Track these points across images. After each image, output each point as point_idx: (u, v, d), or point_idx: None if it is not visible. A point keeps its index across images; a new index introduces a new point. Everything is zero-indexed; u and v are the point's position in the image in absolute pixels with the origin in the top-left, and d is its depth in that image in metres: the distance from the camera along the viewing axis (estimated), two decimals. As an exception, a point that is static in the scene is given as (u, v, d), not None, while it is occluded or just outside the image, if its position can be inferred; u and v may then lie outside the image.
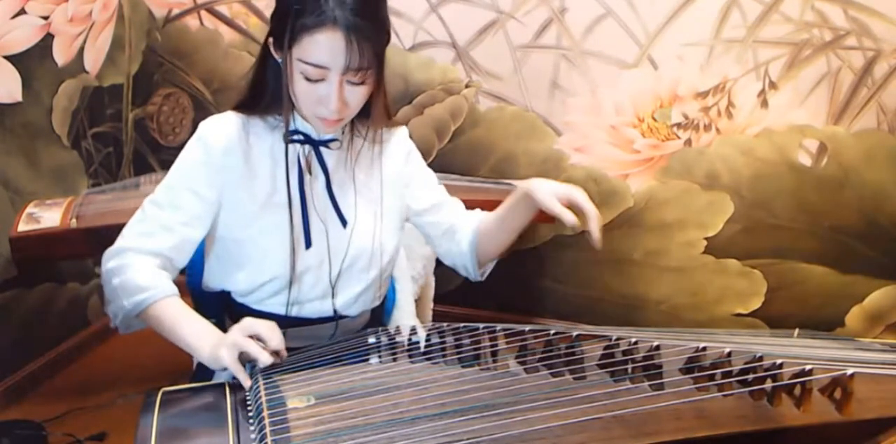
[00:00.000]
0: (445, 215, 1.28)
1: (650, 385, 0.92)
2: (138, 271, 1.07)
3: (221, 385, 0.99)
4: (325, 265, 1.15)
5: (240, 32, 2.36)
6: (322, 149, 1.14)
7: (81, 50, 2.13)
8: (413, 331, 1.10)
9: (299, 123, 1.12)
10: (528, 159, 2.23)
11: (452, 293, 2.24)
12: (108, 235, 1.67)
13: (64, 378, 2.13)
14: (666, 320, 2.28)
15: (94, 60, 2.19)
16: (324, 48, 0.98)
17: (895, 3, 1.85)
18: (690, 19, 1.98)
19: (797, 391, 0.85)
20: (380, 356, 1.05)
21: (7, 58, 1.86)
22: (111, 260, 1.11)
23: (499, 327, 1.04)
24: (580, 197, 1.11)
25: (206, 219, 1.12)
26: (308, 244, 1.13)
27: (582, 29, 2.07)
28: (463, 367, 1.00)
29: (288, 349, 1.10)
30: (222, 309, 1.21)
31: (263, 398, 0.91)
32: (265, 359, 0.96)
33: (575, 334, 0.98)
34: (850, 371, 0.83)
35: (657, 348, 0.93)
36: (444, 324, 1.07)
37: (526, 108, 2.19)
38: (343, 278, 1.18)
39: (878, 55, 1.89)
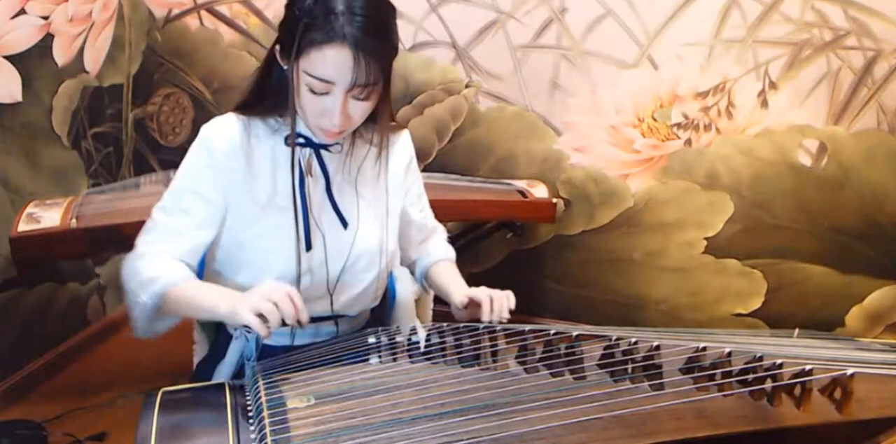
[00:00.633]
0: (421, 244, 1.35)
1: (650, 385, 0.92)
2: (150, 266, 1.07)
3: (221, 385, 0.99)
4: (324, 267, 1.16)
5: (240, 32, 2.36)
6: (322, 152, 1.14)
7: (81, 50, 2.13)
8: (413, 331, 1.10)
9: (300, 127, 1.12)
10: (528, 159, 2.24)
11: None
12: (108, 235, 1.68)
13: (64, 378, 2.13)
14: (666, 320, 2.28)
15: (94, 60, 2.19)
16: (331, 64, 0.97)
17: (895, 3, 1.85)
18: (690, 19, 1.98)
19: (797, 391, 0.85)
20: (380, 356, 1.05)
21: (7, 58, 1.86)
22: (126, 268, 1.10)
23: (499, 327, 1.05)
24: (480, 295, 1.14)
25: (215, 221, 1.12)
26: (308, 247, 1.13)
27: (582, 29, 2.07)
28: (463, 367, 1.00)
29: (289, 348, 1.10)
30: None
31: (263, 398, 0.91)
32: (274, 320, 0.93)
33: (575, 334, 0.98)
34: (850, 371, 0.83)
35: (657, 348, 0.93)
36: (444, 324, 1.08)
37: (526, 108, 2.19)
38: (343, 279, 1.18)
39: (878, 55, 1.89)
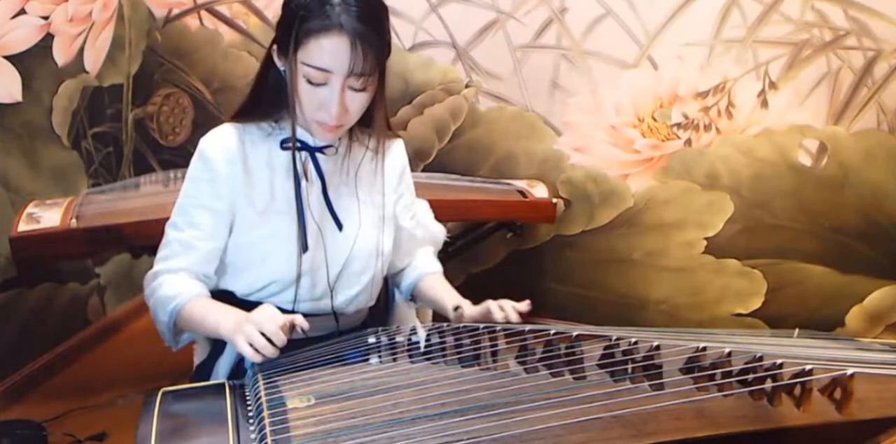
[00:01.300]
0: (407, 254, 1.34)
1: (650, 385, 0.92)
2: (167, 284, 1.11)
3: (221, 385, 0.99)
4: (322, 269, 1.17)
5: (240, 32, 2.36)
6: (318, 155, 1.16)
7: (81, 50, 2.13)
8: (413, 331, 1.10)
9: (297, 131, 1.14)
10: (528, 159, 2.24)
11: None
12: (108, 235, 1.68)
13: (64, 378, 2.13)
14: (666, 320, 2.28)
15: (94, 60, 2.19)
16: (329, 52, 1.00)
17: (895, 3, 1.85)
18: (690, 19, 1.98)
19: (797, 391, 0.85)
20: (380, 356, 1.05)
21: (7, 58, 1.86)
22: (147, 287, 1.15)
23: (499, 327, 1.05)
24: (496, 314, 1.12)
25: (224, 229, 1.15)
26: (305, 249, 1.14)
27: (582, 29, 2.07)
28: (463, 367, 1.00)
29: (287, 342, 1.11)
30: None
31: (263, 398, 0.91)
32: (267, 353, 0.96)
33: (575, 334, 0.98)
34: (850, 371, 0.83)
35: (657, 348, 0.93)
36: (444, 324, 1.08)
37: (526, 108, 2.19)
38: (340, 280, 1.19)
39: (878, 55, 1.89)
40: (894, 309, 2.08)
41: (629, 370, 0.94)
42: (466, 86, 2.21)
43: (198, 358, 1.34)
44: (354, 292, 1.21)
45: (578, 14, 2.06)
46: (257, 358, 0.96)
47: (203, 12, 2.38)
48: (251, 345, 0.96)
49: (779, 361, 0.87)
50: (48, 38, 1.99)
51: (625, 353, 0.95)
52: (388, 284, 1.41)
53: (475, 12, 2.13)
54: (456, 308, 1.17)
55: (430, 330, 1.07)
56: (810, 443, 0.92)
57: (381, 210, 1.22)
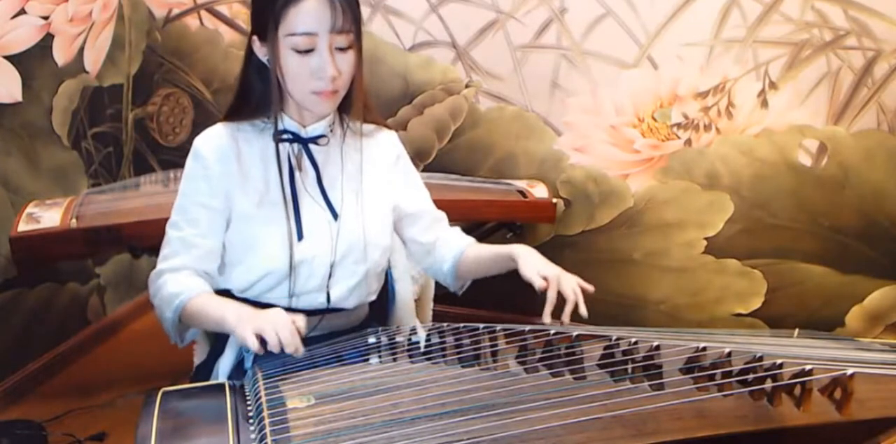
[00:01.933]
0: (430, 230, 1.32)
1: (650, 385, 0.92)
2: (171, 282, 1.12)
3: (221, 385, 0.99)
4: (318, 258, 1.17)
5: (240, 32, 2.36)
6: (311, 146, 1.18)
7: (81, 50, 2.13)
8: (413, 331, 1.11)
9: (287, 123, 1.16)
10: (528, 159, 2.23)
11: (452, 293, 2.24)
12: (108, 235, 1.68)
13: (64, 378, 2.13)
14: (666, 320, 2.28)
15: (94, 60, 2.19)
16: (310, 14, 1.04)
17: (895, 3, 1.85)
18: (690, 19, 1.98)
19: (797, 391, 0.85)
20: (380, 356, 1.05)
21: (7, 58, 1.86)
22: (151, 287, 1.17)
23: (499, 327, 1.05)
24: (564, 285, 1.14)
25: (221, 226, 1.16)
26: (300, 237, 1.15)
27: (582, 29, 2.06)
28: (463, 367, 1.00)
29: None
30: None
31: (263, 398, 0.91)
32: (275, 350, 0.96)
33: (575, 334, 0.98)
34: (850, 371, 0.83)
35: (657, 348, 0.93)
36: (444, 324, 1.08)
37: (526, 108, 2.19)
38: (337, 270, 1.20)
39: (878, 55, 1.89)
40: (894, 309, 2.08)
41: (629, 370, 0.94)
42: (466, 86, 2.21)
43: (198, 358, 1.34)
44: (351, 284, 1.21)
45: (578, 14, 2.06)
46: (257, 349, 0.96)
47: (203, 12, 2.38)
48: (258, 337, 0.96)
49: (779, 361, 0.87)
50: (48, 38, 1.99)
51: (625, 353, 0.95)
52: (389, 283, 1.41)
53: (475, 12, 2.13)
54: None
55: (430, 330, 1.07)
56: (810, 443, 0.92)
57: (371, 199, 1.22)
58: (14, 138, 1.92)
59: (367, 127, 1.24)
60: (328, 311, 1.23)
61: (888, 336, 2.09)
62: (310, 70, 1.06)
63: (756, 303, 2.19)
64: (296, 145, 1.17)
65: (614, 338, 0.97)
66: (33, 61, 1.94)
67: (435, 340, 1.05)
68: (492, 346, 1.02)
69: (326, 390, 0.94)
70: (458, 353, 1.01)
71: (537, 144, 2.21)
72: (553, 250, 2.31)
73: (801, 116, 1.99)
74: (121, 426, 1.86)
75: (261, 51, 1.10)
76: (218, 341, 1.30)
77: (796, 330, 1.40)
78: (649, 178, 2.15)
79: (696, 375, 0.91)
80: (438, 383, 0.94)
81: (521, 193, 2.07)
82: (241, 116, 1.17)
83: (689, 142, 2.09)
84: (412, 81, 2.24)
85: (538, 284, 1.12)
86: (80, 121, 2.17)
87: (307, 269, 1.17)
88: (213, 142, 1.15)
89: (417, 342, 1.06)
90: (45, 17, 1.96)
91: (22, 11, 1.88)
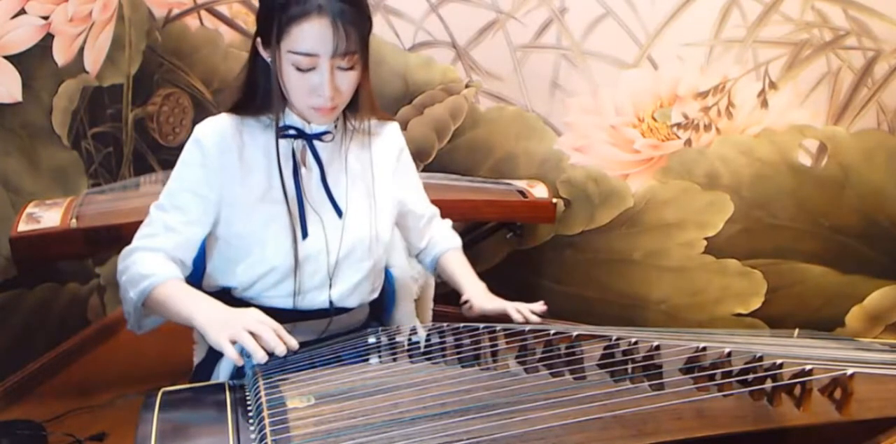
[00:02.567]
0: (424, 232, 1.38)
1: (650, 385, 0.92)
2: (141, 262, 1.09)
3: (221, 385, 0.99)
4: (322, 255, 1.17)
5: (240, 32, 2.36)
6: (315, 142, 1.17)
7: (81, 50, 2.13)
8: (413, 331, 1.10)
9: (291, 119, 1.15)
10: (528, 159, 2.24)
11: (452, 293, 2.24)
12: (108, 235, 1.68)
13: (64, 378, 2.13)
14: (666, 320, 2.28)
15: (94, 60, 2.19)
16: (312, 36, 1.01)
17: (895, 3, 1.85)
18: (690, 19, 1.98)
19: (797, 391, 0.85)
20: (380, 356, 1.05)
21: (7, 58, 1.86)
22: (121, 263, 1.13)
23: (499, 327, 1.05)
24: (514, 315, 1.19)
25: (208, 217, 1.14)
26: (304, 235, 1.15)
27: (582, 29, 2.07)
28: (463, 367, 1.00)
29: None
30: None
31: (263, 398, 0.91)
32: (260, 357, 0.95)
33: (575, 334, 0.98)
34: (850, 371, 0.83)
35: (657, 348, 0.93)
36: (444, 324, 1.08)
37: (526, 108, 2.19)
38: (341, 267, 1.19)
39: (878, 55, 1.89)
40: (894, 309, 2.09)
41: (629, 370, 0.94)
42: (466, 86, 2.21)
43: (198, 358, 1.34)
44: (355, 281, 1.21)
45: (578, 14, 2.06)
46: (236, 358, 0.95)
47: (203, 12, 2.38)
48: (235, 344, 0.95)
49: (779, 361, 0.87)
50: (48, 38, 1.99)
51: (625, 353, 0.95)
52: (389, 282, 1.41)
53: (475, 12, 2.13)
54: (464, 303, 1.21)
55: (430, 330, 1.07)
56: (810, 443, 0.92)
57: (373, 194, 1.22)
58: (14, 138, 1.92)
59: (374, 123, 1.24)
60: (331, 312, 1.22)
61: (888, 336, 2.09)
62: (309, 87, 1.05)
63: (756, 303, 2.19)
64: (300, 141, 1.16)
65: (614, 338, 0.97)
66: (33, 61, 1.94)
67: (435, 340, 1.05)
68: (492, 346, 1.02)
69: (326, 390, 0.94)
70: (458, 353, 1.01)
71: (537, 144, 2.21)
72: (553, 250, 2.31)
73: (801, 116, 1.99)
74: (121, 426, 1.86)
75: (265, 52, 1.09)
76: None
77: (796, 330, 1.40)
78: (649, 178, 2.15)
79: (696, 375, 0.91)
80: (438, 383, 0.94)
81: (521, 193, 2.07)
82: (246, 111, 1.15)
83: (689, 142, 2.09)
84: (412, 81, 2.24)
85: (492, 310, 1.21)
86: (80, 121, 2.17)
87: (310, 266, 1.17)
88: (216, 131, 1.13)
89: (417, 342, 1.06)
90: (45, 17, 1.96)
91: (22, 11, 1.88)
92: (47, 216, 1.73)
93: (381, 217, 1.22)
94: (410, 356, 1.04)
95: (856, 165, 1.99)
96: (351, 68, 1.06)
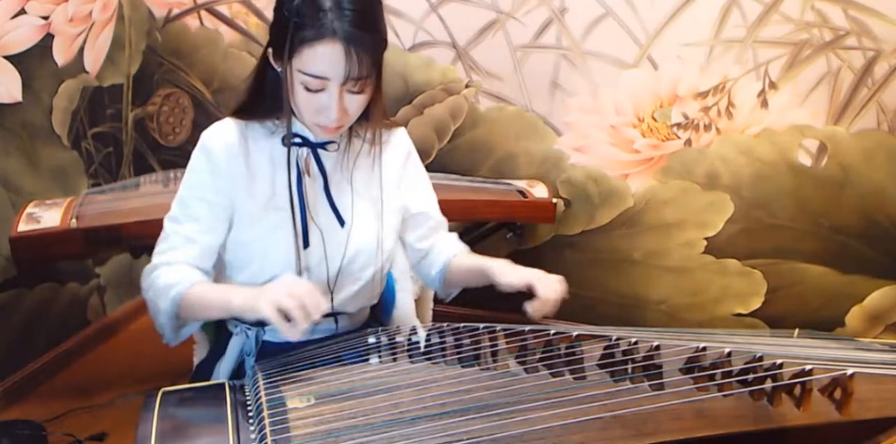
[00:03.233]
0: (427, 237, 1.31)
1: (650, 385, 0.92)
2: (165, 275, 1.10)
3: (221, 385, 0.99)
4: (323, 265, 1.16)
5: (240, 32, 2.36)
6: (320, 151, 1.16)
7: (81, 50, 2.13)
8: (413, 331, 1.10)
9: (297, 127, 1.13)
10: (528, 159, 2.24)
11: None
12: (108, 235, 1.68)
13: (64, 378, 2.13)
14: (666, 320, 2.28)
15: (94, 60, 2.19)
16: (324, 60, 0.99)
17: (895, 3, 1.85)
18: (690, 19, 1.98)
19: (797, 391, 0.85)
20: (380, 356, 1.05)
21: (7, 58, 1.86)
22: (144, 281, 1.14)
23: (499, 327, 1.05)
24: (539, 285, 1.09)
25: (223, 224, 1.14)
26: (306, 244, 1.14)
27: (582, 29, 2.07)
28: (463, 367, 1.00)
29: (287, 343, 1.10)
30: None
31: (263, 398, 0.91)
32: (300, 328, 0.93)
33: (575, 334, 0.98)
34: (850, 371, 0.83)
35: (657, 348, 0.93)
36: (444, 324, 1.08)
37: (526, 108, 2.19)
38: (342, 276, 1.19)
39: (878, 55, 1.89)
40: (894, 309, 2.08)
41: (629, 370, 0.94)
42: (466, 86, 2.21)
43: (198, 358, 1.34)
44: (356, 289, 1.21)
45: (578, 14, 2.06)
46: (286, 328, 0.92)
47: (203, 12, 2.38)
48: (282, 313, 0.93)
49: (779, 361, 0.87)
50: (48, 38, 1.99)
51: (625, 353, 0.95)
52: (389, 284, 1.41)
53: (475, 12, 2.13)
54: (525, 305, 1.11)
55: (430, 330, 1.07)
56: (810, 443, 0.92)
57: (380, 204, 1.21)
58: (14, 138, 1.92)
59: (382, 132, 1.22)
60: (330, 315, 1.22)
61: (888, 336, 2.09)
62: (317, 106, 1.04)
63: (756, 303, 2.19)
64: (304, 150, 1.15)
65: (614, 338, 0.97)
66: (33, 61, 1.94)
67: (435, 340, 1.05)
68: (492, 346, 1.02)
69: (326, 390, 0.94)
70: (458, 353, 1.01)
71: (537, 144, 2.21)
72: (553, 250, 2.31)
73: (801, 116, 1.99)
74: (121, 426, 1.86)
75: (276, 62, 1.06)
76: (218, 340, 1.30)
77: (796, 330, 1.40)
78: (649, 178, 2.15)
79: (696, 375, 0.91)
80: (438, 383, 0.94)
81: (521, 193, 2.07)
82: (251, 116, 1.14)
83: (689, 142, 2.09)
84: (412, 81, 2.24)
85: (517, 284, 1.10)
86: (80, 121, 2.17)
87: (312, 275, 1.16)
88: (223, 137, 1.12)
89: (417, 342, 1.06)
90: (45, 17, 1.96)
91: (22, 11, 1.88)
92: (47, 216, 1.73)
93: (385, 227, 1.21)
94: (410, 356, 1.04)
95: (856, 165, 1.99)
96: (361, 92, 1.04)
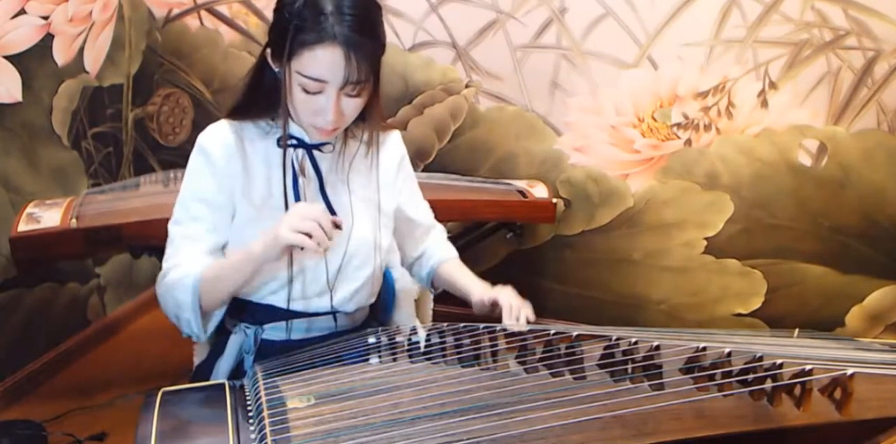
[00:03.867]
0: (420, 242, 1.36)
1: (650, 385, 0.92)
2: (175, 272, 1.10)
3: (221, 385, 0.99)
4: (321, 265, 1.17)
5: (240, 32, 2.36)
6: (315, 152, 1.16)
7: (81, 50, 2.13)
8: (413, 331, 1.10)
9: (293, 128, 1.14)
10: (528, 159, 2.24)
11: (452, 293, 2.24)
12: (107, 235, 1.68)
13: (64, 378, 2.13)
14: (666, 320, 2.28)
15: (94, 60, 2.19)
16: (323, 63, 0.99)
17: (895, 3, 1.85)
18: (690, 19, 1.98)
19: (797, 391, 0.85)
20: (380, 356, 1.05)
21: (7, 58, 1.86)
22: (159, 288, 1.14)
23: (499, 327, 1.05)
24: (499, 295, 1.15)
25: (225, 222, 1.14)
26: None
27: (582, 29, 2.07)
28: (463, 367, 1.00)
29: (286, 342, 1.10)
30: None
31: (263, 398, 0.91)
32: (325, 244, 0.99)
33: (575, 334, 0.98)
34: (850, 371, 0.83)
35: (657, 348, 0.93)
36: (444, 324, 1.08)
37: (526, 108, 2.19)
38: (340, 276, 1.19)
39: (878, 55, 1.89)
40: (894, 309, 2.09)
41: (629, 370, 0.94)
42: (466, 86, 2.21)
43: (198, 358, 1.34)
44: (354, 288, 1.21)
45: (578, 14, 2.06)
46: (313, 246, 0.98)
47: (203, 12, 2.38)
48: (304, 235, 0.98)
49: (779, 361, 0.87)
50: (48, 38, 1.99)
51: (625, 353, 0.95)
52: (389, 283, 1.41)
53: (475, 12, 2.13)
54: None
55: (430, 330, 1.07)
56: (810, 443, 0.92)
57: (376, 205, 1.22)
58: (14, 138, 1.92)
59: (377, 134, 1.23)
60: (329, 313, 1.22)
61: (888, 336, 2.09)
62: (314, 108, 1.04)
63: (756, 303, 2.19)
64: (300, 151, 1.16)
65: (614, 338, 0.97)
66: (33, 61, 1.94)
67: (435, 340, 1.05)
68: (492, 346, 1.02)
69: (326, 390, 0.94)
70: (458, 353, 1.01)
71: (537, 144, 2.21)
72: (553, 250, 2.31)
73: (801, 116, 1.99)
74: (121, 426, 1.86)
75: (274, 63, 1.07)
76: (218, 341, 1.30)
77: (796, 330, 1.40)
78: (649, 178, 2.16)
79: (696, 375, 0.91)
80: (438, 383, 0.94)
81: (521, 193, 2.07)
82: (246, 116, 1.15)
83: (689, 142, 2.09)
84: (412, 81, 2.24)
85: (485, 300, 1.16)
86: (80, 121, 2.17)
87: (310, 275, 1.17)
88: (220, 139, 1.13)
89: (417, 342, 1.06)
90: (45, 17, 1.96)
91: (22, 11, 1.88)
92: (47, 216, 1.73)
93: (382, 227, 1.22)
94: (410, 356, 1.04)
95: (856, 165, 1.99)
96: (358, 95, 1.05)
